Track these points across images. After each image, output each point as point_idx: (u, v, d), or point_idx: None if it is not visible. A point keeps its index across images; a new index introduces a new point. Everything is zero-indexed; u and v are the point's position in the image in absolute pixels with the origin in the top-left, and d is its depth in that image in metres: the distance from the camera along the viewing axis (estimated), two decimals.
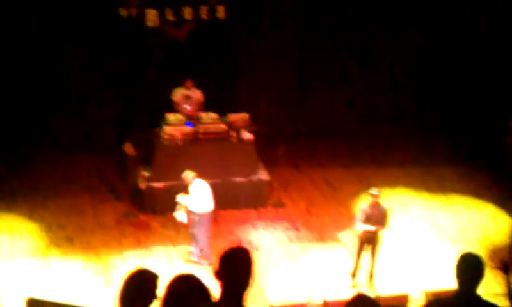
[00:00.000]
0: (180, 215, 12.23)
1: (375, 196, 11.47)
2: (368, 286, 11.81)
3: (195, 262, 12.21)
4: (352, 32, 16.44)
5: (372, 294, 11.58)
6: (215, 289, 4.10)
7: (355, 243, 11.91)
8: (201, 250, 12.26)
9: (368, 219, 11.45)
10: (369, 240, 11.64)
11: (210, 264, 11.91)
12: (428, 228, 13.65)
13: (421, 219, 13.92)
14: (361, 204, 11.83)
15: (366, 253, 11.73)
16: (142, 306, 4.12)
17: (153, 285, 4.15)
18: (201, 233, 12.19)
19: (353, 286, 11.83)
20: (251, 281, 4.12)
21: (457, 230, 13.59)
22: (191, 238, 12.35)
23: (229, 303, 4.10)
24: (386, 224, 11.54)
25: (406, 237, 13.27)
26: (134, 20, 15.11)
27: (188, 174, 12.11)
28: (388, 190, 14.68)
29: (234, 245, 4.28)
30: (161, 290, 4.02)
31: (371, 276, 11.84)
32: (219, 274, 4.12)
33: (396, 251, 12.77)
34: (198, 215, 12.15)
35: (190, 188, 12.12)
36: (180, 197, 12.23)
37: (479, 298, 5.03)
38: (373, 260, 11.75)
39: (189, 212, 12.20)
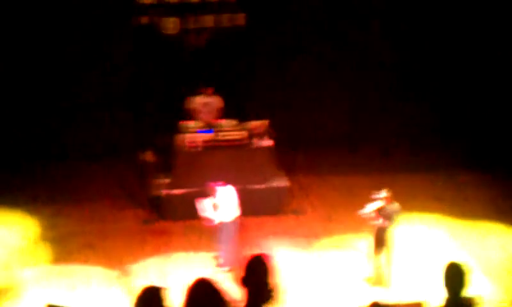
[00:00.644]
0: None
1: (385, 198, 11.61)
2: (385, 288, 11.85)
3: (220, 266, 12.29)
4: (367, 37, 16.40)
5: (388, 297, 11.59)
6: (234, 293, 4.11)
7: (370, 242, 11.97)
8: (223, 254, 12.32)
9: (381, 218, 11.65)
10: (382, 240, 11.69)
11: (230, 270, 11.98)
12: (446, 235, 13.57)
13: (439, 227, 13.84)
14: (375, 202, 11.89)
15: (381, 255, 11.79)
16: None
17: (159, 299, 4.21)
18: (224, 239, 12.25)
19: (371, 284, 11.94)
20: (276, 289, 4.12)
21: (476, 239, 13.50)
22: (216, 244, 12.42)
23: None
24: (394, 221, 11.61)
25: (423, 245, 13.21)
26: (153, 28, 15.20)
27: (212, 187, 12.15)
28: (406, 197, 14.66)
29: (259, 252, 4.28)
30: (182, 296, 4.05)
31: (387, 278, 11.86)
32: (245, 281, 4.12)
33: (413, 258, 12.72)
34: (223, 223, 12.22)
35: (215, 200, 12.17)
36: (202, 210, 12.29)
37: (467, 303, 5.22)
38: (388, 262, 11.79)
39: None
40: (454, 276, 5.35)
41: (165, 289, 4.27)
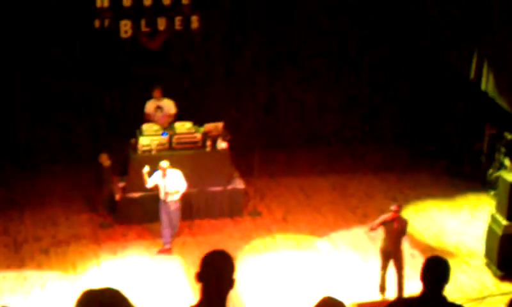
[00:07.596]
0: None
1: (395, 212, 11.51)
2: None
3: (162, 251, 12.98)
4: (326, 42, 16.49)
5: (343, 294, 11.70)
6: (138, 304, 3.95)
7: (379, 258, 11.86)
8: (164, 234, 12.93)
9: (388, 232, 11.52)
10: (390, 255, 11.64)
11: (167, 248, 12.89)
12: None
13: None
14: (383, 216, 11.71)
15: (391, 267, 11.73)
16: None
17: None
18: (163, 218, 12.90)
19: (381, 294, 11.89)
20: (232, 284, 4.13)
21: (433, 236, 13.71)
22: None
23: (210, 305, 4.12)
24: (405, 234, 11.66)
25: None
26: (108, 32, 15.09)
27: (160, 164, 12.77)
28: (362, 197, 14.83)
29: (216, 249, 4.27)
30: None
31: (400, 289, 11.70)
32: (201, 276, 4.13)
33: (373, 259, 12.85)
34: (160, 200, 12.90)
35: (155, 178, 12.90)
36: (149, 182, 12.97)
37: (444, 300, 5.08)
38: (399, 273, 11.66)
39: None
40: (436, 271, 5.02)
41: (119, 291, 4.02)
